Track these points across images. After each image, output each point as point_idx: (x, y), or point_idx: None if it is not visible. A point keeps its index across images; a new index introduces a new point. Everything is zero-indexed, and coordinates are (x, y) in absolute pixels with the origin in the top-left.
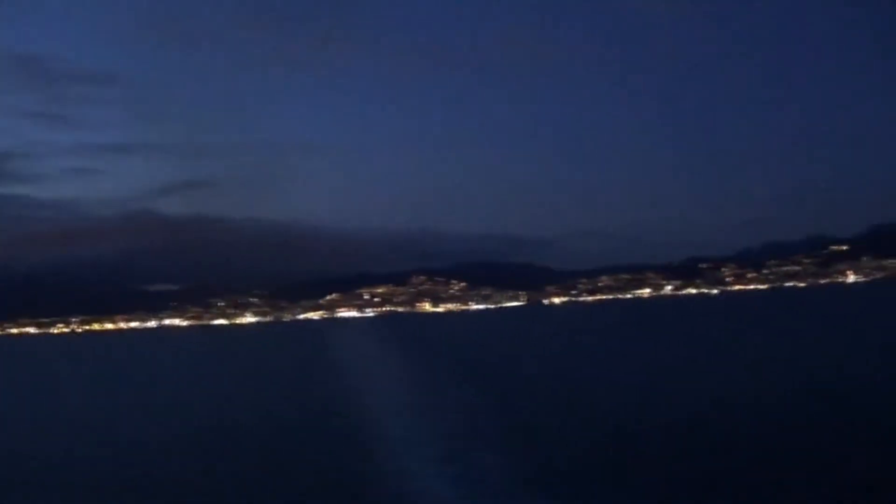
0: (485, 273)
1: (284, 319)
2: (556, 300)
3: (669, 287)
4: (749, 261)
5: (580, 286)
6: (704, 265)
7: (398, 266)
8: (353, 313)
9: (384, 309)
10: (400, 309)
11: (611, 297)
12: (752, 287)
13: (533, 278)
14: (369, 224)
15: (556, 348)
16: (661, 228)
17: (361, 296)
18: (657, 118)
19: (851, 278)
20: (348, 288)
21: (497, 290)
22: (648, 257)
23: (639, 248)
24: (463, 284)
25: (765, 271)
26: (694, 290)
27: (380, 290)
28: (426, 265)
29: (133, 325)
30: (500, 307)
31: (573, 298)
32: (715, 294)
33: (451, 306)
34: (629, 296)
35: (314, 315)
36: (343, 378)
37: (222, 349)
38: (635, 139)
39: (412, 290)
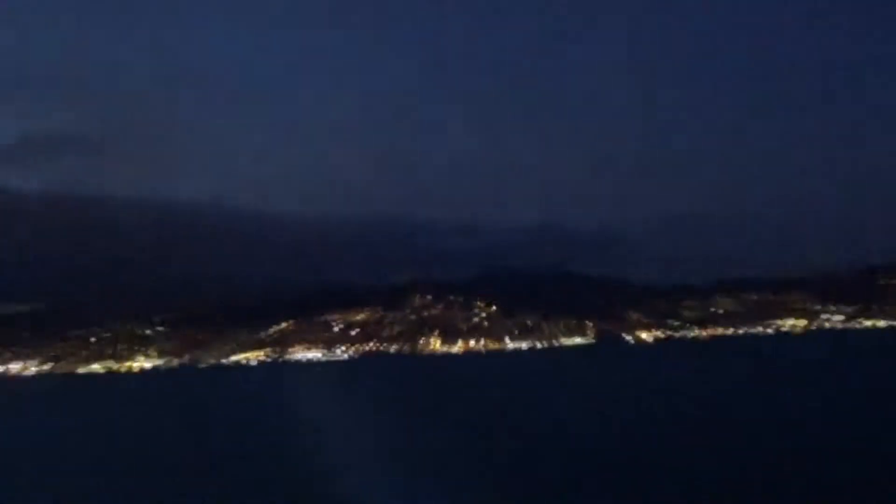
0: (525, 290)
1: (201, 365)
2: (645, 335)
3: (837, 317)
4: None
5: (684, 312)
6: (889, 279)
7: (386, 276)
8: (316, 354)
9: (366, 347)
10: (392, 347)
11: (736, 331)
12: None
13: (604, 298)
14: (336, 210)
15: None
16: (799, 212)
17: (329, 325)
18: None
19: None
20: (308, 312)
21: (546, 317)
22: (792, 262)
23: (772, 242)
24: (493, 309)
25: None
26: (875, 323)
27: (359, 317)
28: (431, 275)
29: None
30: (554, 347)
31: (673, 333)
32: None
33: (474, 344)
34: (765, 330)
35: (253, 357)
36: None
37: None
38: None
39: (412, 316)
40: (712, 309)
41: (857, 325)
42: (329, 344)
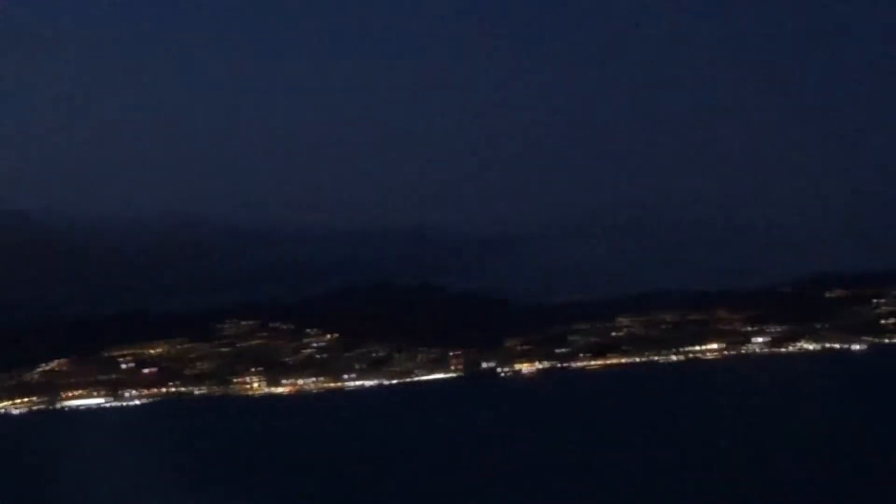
0: (373, 313)
1: None
2: (525, 367)
3: (761, 338)
4: None
5: (575, 338)
6: (835, 292)
7: (191, 299)
8: (100, 400)
9: (164, 390)
10: (199, 389)
11: (638, 359)
12: None
13: (475, 322)
14: (120, 214)
15: None
16: (724, 213)
17: (115, 363)
18: None
19: None
20: (87, 347)
21: (400, 347)
22: (716, 273)
23: (690, 249)
24: (332, 337)
25: None
26: (815, 346)
27: (153, 351)
28: (250, 297)
29: None
30: (411, 383)
31: (560, 364)
32: (859, 351)
33: (307, 382)
34: (678, 357)
35: (13, 406)
36: None
37: None
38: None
39: (224, 349)
40: (612, 333)
41: (793, 349)
42: (115, 387)
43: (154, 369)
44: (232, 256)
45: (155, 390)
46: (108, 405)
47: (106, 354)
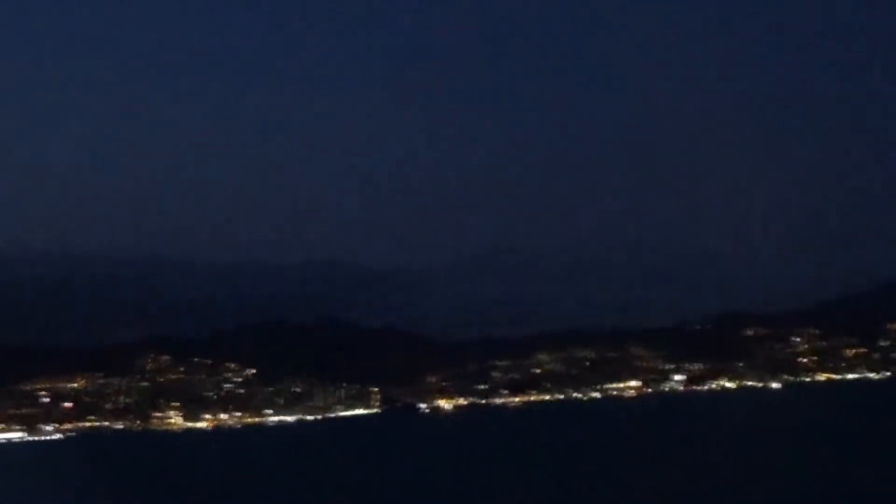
0: (293, 348)
1: None
2: (446, 403)
3: (679, 376)
4: (836, 322)
5: (495, 374)
6: (752, 331)
7: (109, 332)
8: (17, 434)
9: (82, 424)
10: (118, 425)
11: (557, 396)
12: (855, 375)
13: (394, 357)
14: (38, 247)
15: None
16: (643, 245)
17: (34, 397)
18: None
19: None
20: (4, 380)
21: (322, 382)
22: (635, 309)
23: (610, 286)
24: (250, 372)
25: (884, 343)
26: (732, 384)
27: (72, 385)
28: (169, 331)
29: None
30: (330, 419)
31: (478, 400)
32: (776, 389)
33: (226, 417)
34: (597, 394)
35: None
36: None
37: None
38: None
39: (143, 383)
40: (532, 369)
41: (712, 387)
42: (32, 421)
43: (72, 403)
44: (147, 290)
45: (73, 424)
46: (23, 439)
47: (23, 388)
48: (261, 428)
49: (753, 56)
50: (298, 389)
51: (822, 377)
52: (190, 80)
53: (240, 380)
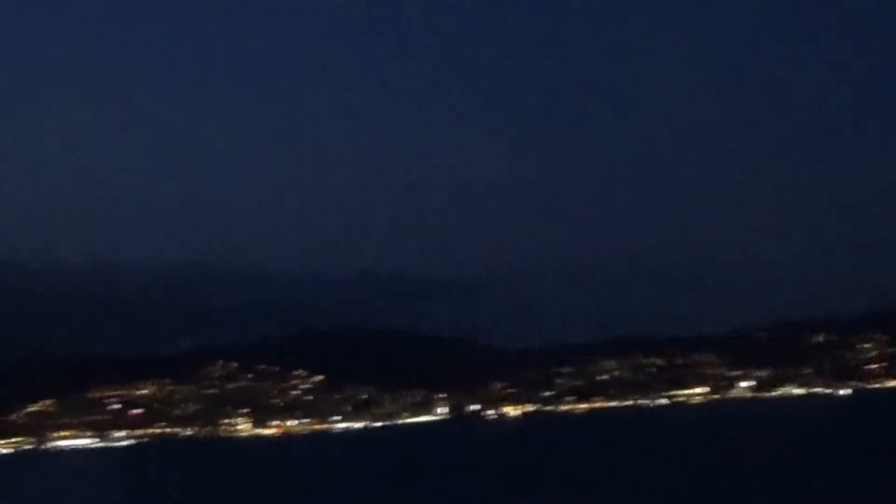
0: (359, 356)
1: None
2: (511, 410)
3: (745, 382)
4: None
5: (560, 381)
6: (819, 337)
7: (175, 340)
8: (87, 440)
9: (151, 431)
10: (186, 431)
11: (623, 403)
12: None
13: (460, 365)
14: (105, 256)
15: None
16: (700, 253)
17: (102, 404)
18: None
19: None
20: (74, 388)
21: (389, 389)
22: (702, 316)
23: (677, 293)
24: (318, 379)
25: None
26: (800, 390)
27: (141, 392)
28: (235, 339)
29: None
30: (397, 426)
31: (543, 407)
32: (845, 396)
33: (294, 424)
34: (663, 401)
35: (4, 446)
36: None
37: None
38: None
39: (211, 390)
40: (597, 376)
41: (779, 393)
42: (102, 427)
43: (141, 410)
44: (217, 300)
45: (142, 431)
46: (94, 446)
47: (93, 395)
48: (328, 434)
49: (784, 56)
50: (365, 396)
51: (892, 383)
52: (244, 89)
53: (307, 386)
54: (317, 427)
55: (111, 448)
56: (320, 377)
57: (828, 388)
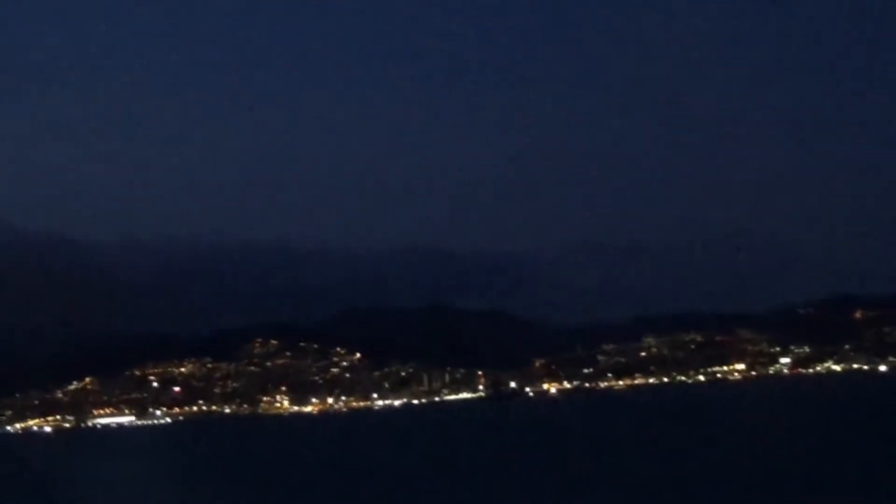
0: (399, 333)
1: None
2: (551, 387)
3: (785, 359)
4: None
5: (601, 358)
6: (859, 313)
7: (216, 318)
8: (127, 418)
9: (191, 409)
10: (226, 409)
11: (663, 379)
12: None
13: (500, 342)
14: (141, 236)
15: None
16: (743, 231)
17: (143, 382)
18: None
19: None
20: (115, 366)
21: (428, 366)
22: (742, 293)
23: (718, 269)
24: (356, 357)
25: None
26: (839, 367)
27: (181, 370)
28: (275, 317)
29: None
30: (436, 403)
31: (584, 384)
32: (884, 372)
33: (333, 402)
34: (704, 378)
35: (44, 423)
36: None
37: None
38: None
39: (251, 368)
40: (638, 353)
41: (818, 369)
42: (143, 405)
43: (181, 388)
44: (255, 278)
45: (182, 409)
46: (136, 423)
47: (134, 373)
48: (367, 412)
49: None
50: (404, 374)
51: None
52: (298, 73)
53: (346, 364)
54: (355, 405)
55: (150, 426)
56: (359, 355)
57: (867, 364)
